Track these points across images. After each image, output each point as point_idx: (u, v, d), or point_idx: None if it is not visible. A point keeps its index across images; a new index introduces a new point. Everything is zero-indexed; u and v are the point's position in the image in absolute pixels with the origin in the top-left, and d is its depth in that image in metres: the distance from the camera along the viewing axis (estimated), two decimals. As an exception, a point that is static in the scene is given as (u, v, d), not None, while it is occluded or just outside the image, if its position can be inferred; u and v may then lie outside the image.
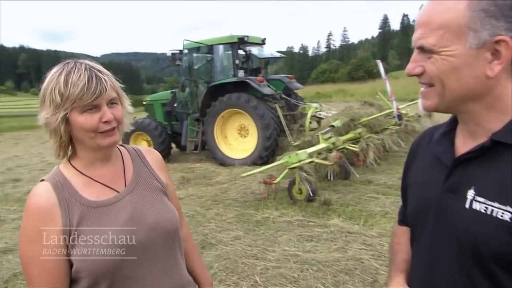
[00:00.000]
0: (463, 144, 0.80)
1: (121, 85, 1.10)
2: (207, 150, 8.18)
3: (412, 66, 0.79)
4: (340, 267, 3.12)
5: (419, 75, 0.79)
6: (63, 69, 0.99)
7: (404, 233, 1.01)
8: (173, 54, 8.54)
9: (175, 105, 8.73)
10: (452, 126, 0.86)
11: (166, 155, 8.58)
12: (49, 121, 0.98)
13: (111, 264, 0.98)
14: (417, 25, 0.78)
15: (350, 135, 6.46)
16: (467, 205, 0.73)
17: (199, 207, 5.10)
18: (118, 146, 1.18)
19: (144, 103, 9.91)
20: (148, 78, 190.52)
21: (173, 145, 9.18)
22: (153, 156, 1.24)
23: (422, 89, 0.80)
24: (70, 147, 1.07)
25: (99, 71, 1.01)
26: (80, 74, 0.97)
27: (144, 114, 9.87)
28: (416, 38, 0.77)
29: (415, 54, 0.78)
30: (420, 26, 0.76)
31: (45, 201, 0.99)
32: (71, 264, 0.99)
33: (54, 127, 0.99)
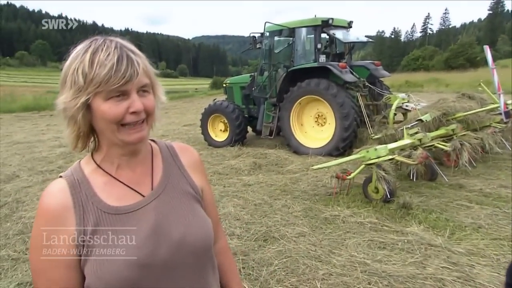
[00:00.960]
0: None
1: (155, 70, 0.92)
2: (282, 136, 7.99)
3: None
4: (416, 286, 2.70)
5: None
6: (90, 46, 0.84)
7: None
8: (254, 37, 8.41)
9: (253, 88, 8.66)
10: None
11: (242, 138, 8.61)
12: (67, 106, 0.84)
13: (126, 284, 0.83)
14: None
15: (441, 131, 5.71)
16: None
17: (267, 196, 4.96)
18: (149, 141, 1.02)
19: (224, 85, 10.03)
20: (234, 60, 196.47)
21: (250, 129, 9.18)
22: (188, 155, 1.06)
23: None
24: (92, 138, 0.92)
25: (132, 51, 0.85)
26: (109, 53, 0.81)
27: (224, 96, 10.01)
28: None
29: None
30: None
31: (57, 203, 0.86)
32: (84, 277, 0.86)
33: (72, 114, 0.84)
